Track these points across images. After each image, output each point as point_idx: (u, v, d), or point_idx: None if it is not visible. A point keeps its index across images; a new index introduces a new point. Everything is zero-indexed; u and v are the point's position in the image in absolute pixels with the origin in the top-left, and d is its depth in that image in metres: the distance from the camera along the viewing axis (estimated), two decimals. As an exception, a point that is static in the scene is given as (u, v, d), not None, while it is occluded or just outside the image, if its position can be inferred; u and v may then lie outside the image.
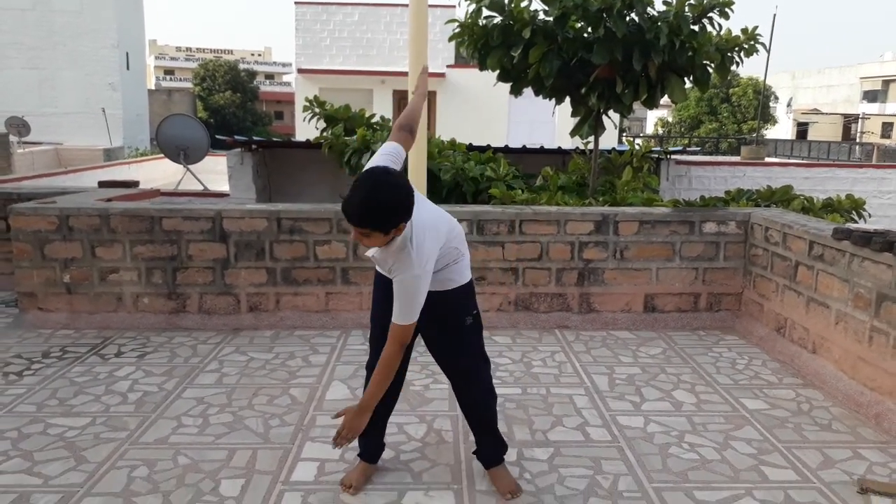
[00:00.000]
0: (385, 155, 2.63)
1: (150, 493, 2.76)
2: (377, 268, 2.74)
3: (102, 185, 6.93)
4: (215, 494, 2.76)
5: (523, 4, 5.60)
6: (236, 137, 8.74)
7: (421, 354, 4.14)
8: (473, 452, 2.95)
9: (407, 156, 2.82)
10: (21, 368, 4.04)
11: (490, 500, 2.75)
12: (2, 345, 4.43)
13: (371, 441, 2.88)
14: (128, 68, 26.82)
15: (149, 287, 4.83)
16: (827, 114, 42.09)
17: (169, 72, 54.76)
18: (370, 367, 2.78)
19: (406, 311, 2.46)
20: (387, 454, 3.02)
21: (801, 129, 41.79)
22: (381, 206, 2.29)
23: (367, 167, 2.50)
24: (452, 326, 2.76)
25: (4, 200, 5.63)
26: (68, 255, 4.79)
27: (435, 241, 2.49)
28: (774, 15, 18.87)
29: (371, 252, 2.55)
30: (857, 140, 38.62)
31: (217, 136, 10.45)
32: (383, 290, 2.67)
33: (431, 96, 20.57)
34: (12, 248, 4.86)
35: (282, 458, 3.05)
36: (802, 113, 42.75)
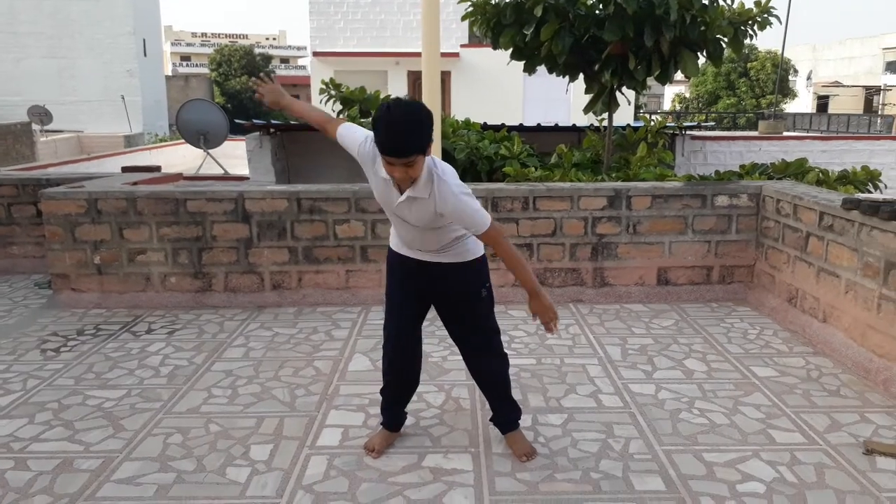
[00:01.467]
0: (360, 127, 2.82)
1: (185, 457, 2.93)
2: (408, 246, 2.84)
3: (126, 170, 7.11)
4: (245, 458, 2.92)
5: (535, -18, 5.65)
6: (254, 121, 8.86)
7: (439, 329, 4.29)
8: (490, 419, 3.08)
9: None
10: (58, 345, 4.23)
11: (506, 462, 2.89)
12: (38, 324, 4.63)
13: (394, 412, 3.03)
14: (145, 55, 27.10)
15: (176, 267, 5.00)
16: (848, 86, 41.35)
17: (185, 58, 55.04)
18: (385, 353, 2.98)
19: (479, 218, 2.57)
20: (408, 421, 3.15)
21: (822, 103, 41.14)
22: (418, 119, 2.40)
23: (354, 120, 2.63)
24: (471, 297, 2.89)
25: (34, 186, 5.82)
26: (98, 238, 4.97)
27: (451, 170, 2.64)
28: (793, -14, 18.58)
29: (407, 195, 2.56)
30: (879, 112, 37.99)
31: (235, 121, 10.59)
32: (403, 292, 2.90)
33: (445, 76, 20.58)
34: (44, 232, 5.05)
35: (307, 424, 3.21)
36: (823, 86, 42.07)
